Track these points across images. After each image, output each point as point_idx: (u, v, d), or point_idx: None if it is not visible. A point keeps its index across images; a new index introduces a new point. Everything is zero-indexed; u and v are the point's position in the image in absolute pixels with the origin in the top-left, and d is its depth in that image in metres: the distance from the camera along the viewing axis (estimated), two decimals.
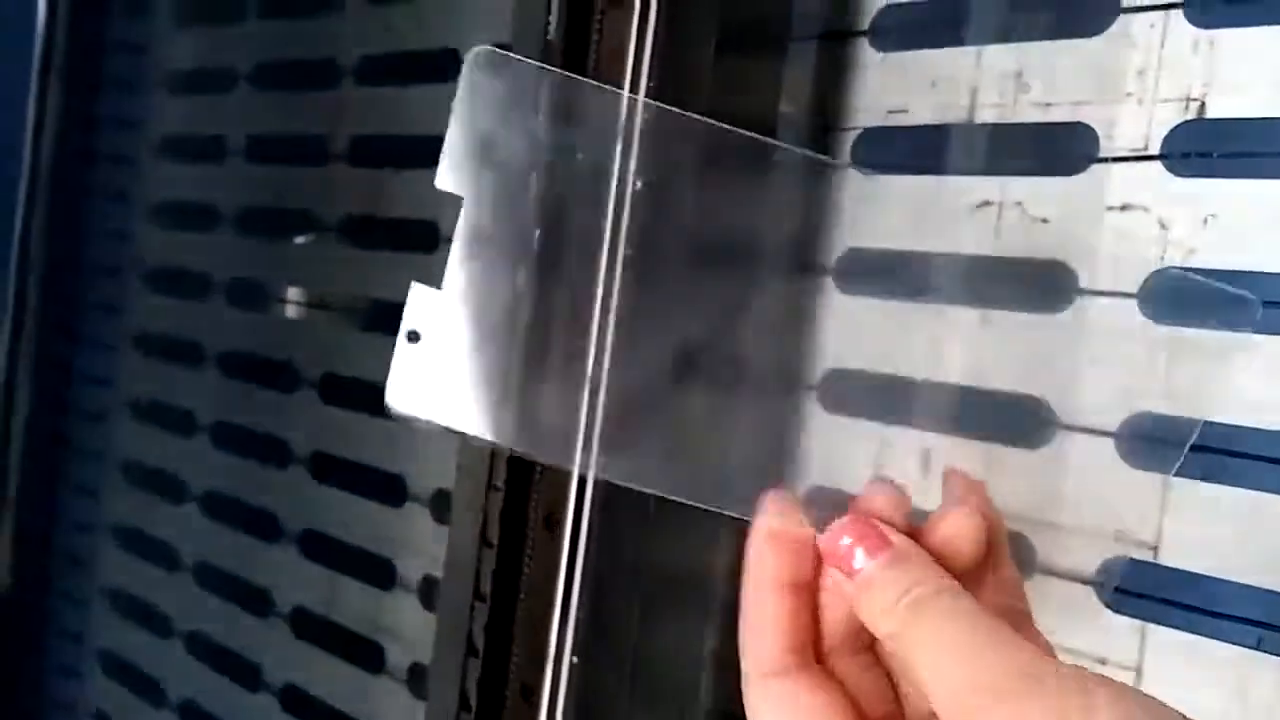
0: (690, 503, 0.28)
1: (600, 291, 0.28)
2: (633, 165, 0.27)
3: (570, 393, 0.28)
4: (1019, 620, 0.26)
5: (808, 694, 0.24)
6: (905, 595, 0.24)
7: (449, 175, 0.28)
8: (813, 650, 0.25)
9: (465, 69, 0.27)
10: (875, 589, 0.24)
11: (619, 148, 0.26)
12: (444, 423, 0.27)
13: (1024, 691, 0.21)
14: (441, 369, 0.28)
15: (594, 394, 0.28)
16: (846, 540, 0.25)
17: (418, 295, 0.27)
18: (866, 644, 0.26)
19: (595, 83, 0.29)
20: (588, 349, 0.28)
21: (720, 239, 0.29)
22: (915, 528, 0.26)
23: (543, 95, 0.28)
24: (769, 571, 0.25)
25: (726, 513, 0.28)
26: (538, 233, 0.27)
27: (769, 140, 0.28)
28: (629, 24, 0.42)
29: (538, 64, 0.28)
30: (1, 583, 1.04)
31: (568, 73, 0.31)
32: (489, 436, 0.28)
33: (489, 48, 0.28)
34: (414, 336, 0.27)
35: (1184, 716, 0.21)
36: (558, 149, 0.28)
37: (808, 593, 0.26)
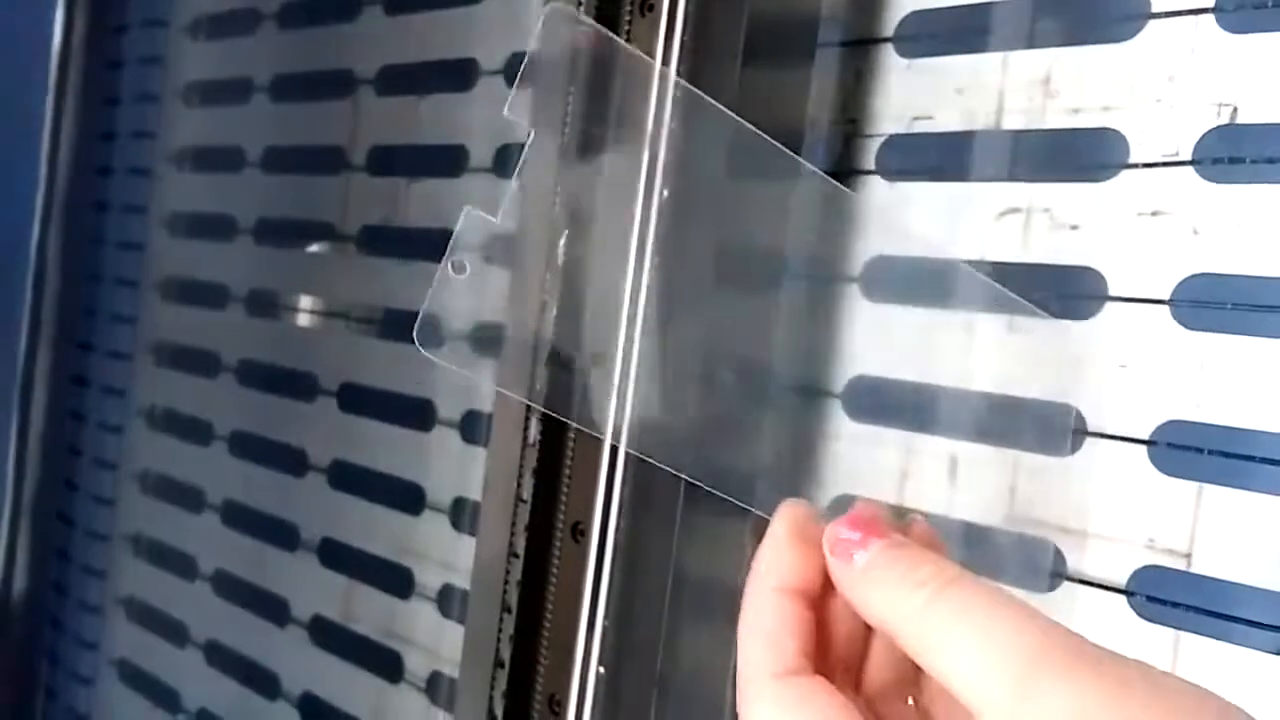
0: (716, 491, 0.28)
1: (631, 273, 0.27)
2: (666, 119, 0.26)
3: (604, 362, 0.27)
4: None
5: (828, 693, 0.24)
6: (920, 585, 0.23)
7: (518, 105, 0.26)
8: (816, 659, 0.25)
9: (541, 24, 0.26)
10: (881, 573, 0.24)
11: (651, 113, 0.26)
12: (475, 376, 0.27)
13: (1075, 664, 0.21)
14: (481, 312, 0.26)
15: (626, 368, 0.27)
16: (847, 532, 0.24)
17: (470, 223, 0.26)
18: (859, 663, 0.26)
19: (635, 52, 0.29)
20: (620, 320, 0.28)
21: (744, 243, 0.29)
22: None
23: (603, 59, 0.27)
24: (783, 576, 0.25)
25: (752, 508, 0.28)
26: (581, 188, 0.27)
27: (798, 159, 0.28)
28: (656, 32, 0.42)
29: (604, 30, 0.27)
30: (19, 591, 1.05)
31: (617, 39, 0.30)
32: (520, 395, 0.27)
33: (562, 5, 0.27)
34: (459, 267, 0.26)
35: (1229, 703, 0.21)
36: (607, 107, 0.28)
37: (813, 606, 0.25)
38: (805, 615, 0.25)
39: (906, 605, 0.23)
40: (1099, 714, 0.20)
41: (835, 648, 0.26)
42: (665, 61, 0.41)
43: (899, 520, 0.26)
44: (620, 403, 0.27)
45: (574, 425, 0.40)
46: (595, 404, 0.27)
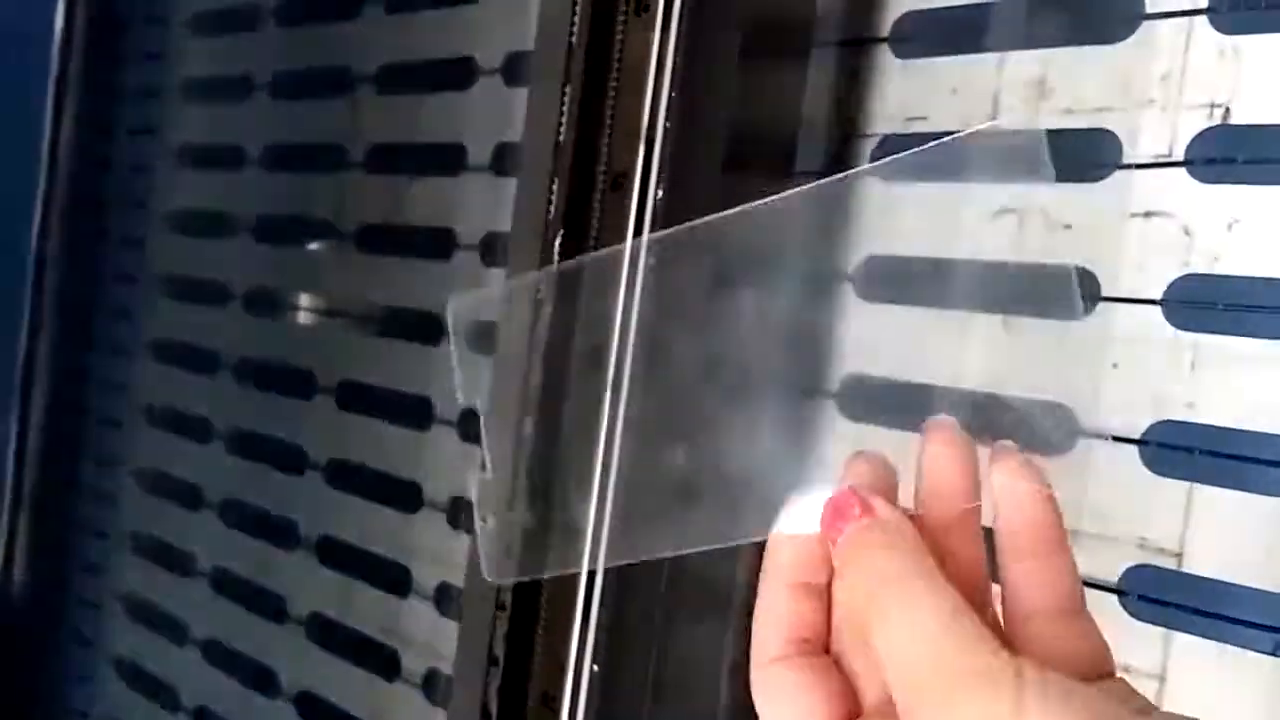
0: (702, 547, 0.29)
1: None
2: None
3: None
4: (980, 601, 0.26)
5: (798, 674, 0.25)
6: (875, 572, 0.24)
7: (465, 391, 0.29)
8: (821, 646, 0.26)
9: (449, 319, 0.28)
10: (848, 557, 0.25)
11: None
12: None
13: (969, 688, 0.22)
14: (508, 540, 0.29)
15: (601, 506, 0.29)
16: (832, 511, 0.25)
17: (481, 484, 0.29)
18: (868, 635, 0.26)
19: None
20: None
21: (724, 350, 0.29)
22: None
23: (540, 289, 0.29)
24: (780, 571, 0.26)
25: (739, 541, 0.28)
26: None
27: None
28: (652, 32, 0.42)
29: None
30: (18, 587, 1.05)
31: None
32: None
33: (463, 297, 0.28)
34: (485, 519, 0.29)
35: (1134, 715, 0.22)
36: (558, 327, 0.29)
37: (818, 595, 0.26)
38: (803, 606, 0.26)
39: (857, 593, 0.24)
40: None
41: (847, 622, 0.26)
42: (659, 65, 0.41)
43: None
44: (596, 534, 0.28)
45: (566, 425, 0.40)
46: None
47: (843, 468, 0.27)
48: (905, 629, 0.23)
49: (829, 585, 0.26)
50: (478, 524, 0.27)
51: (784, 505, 0.27)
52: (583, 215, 0.40)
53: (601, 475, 0.27)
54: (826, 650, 0.26)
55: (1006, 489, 0.26)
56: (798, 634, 0.26)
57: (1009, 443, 0.26)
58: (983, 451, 0.45)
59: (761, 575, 0.26)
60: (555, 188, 0.41)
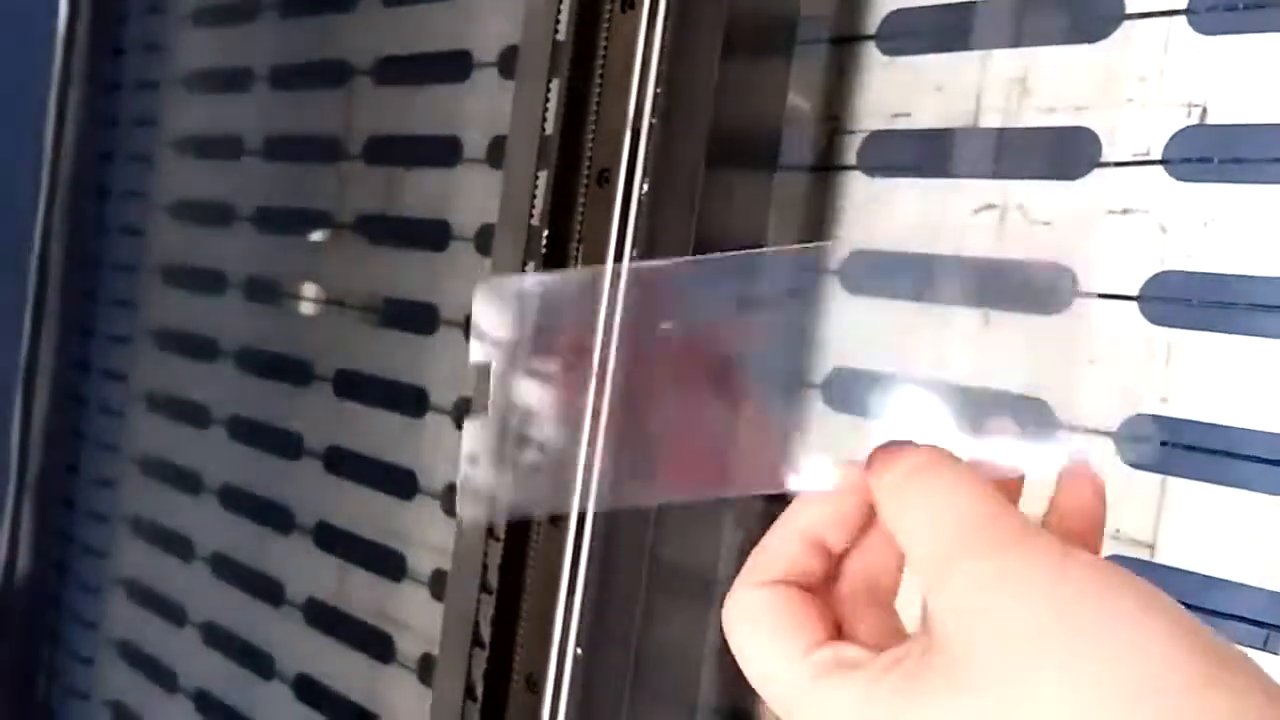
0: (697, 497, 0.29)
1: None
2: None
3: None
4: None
5: (787, 594, 0.24)
6: (900, 463, 0.24)
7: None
8: (814, 594, 0.25)
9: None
10: (893, 455, 0.24)
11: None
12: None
13: (1002, 538, 0.21)
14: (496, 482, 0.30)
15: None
16: (888, 448, 0.25)
17: (475, 426, 0.29)
18: (886, 597, 0.26)
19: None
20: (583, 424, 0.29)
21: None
22: None
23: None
24: (799, 519, 0.26)
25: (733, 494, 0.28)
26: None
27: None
28: (638, 27, 0.42)
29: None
30: (22, 572, 1.06)
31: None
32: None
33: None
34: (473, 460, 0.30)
35: (1152, 590, 0.21)
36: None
37: (827, 556, 0.26)
38: (810, 556, 0.25)
39: (887, 479, 0.24)
40: (1015, 580, 0.21)
41: (861, 583, 0.26)
42: (645, 62, 0.41)
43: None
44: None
45: None
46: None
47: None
48: (953, 496, 0.23)
49: (840, 556, 0.26)
50: (464, 467, 0.28)
51: (793, 465, 0.27)
52: (568, 210, 0.41)
53: (592, 421, 0.27)
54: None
55: (1077, 474, 0.26)
56: (791, 571, 0.25)
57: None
58: (969, 440, 0.46)
59: (778, 522, 0.26)
60: (540, 182, 0.42)
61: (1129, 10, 0.43)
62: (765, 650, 0.24)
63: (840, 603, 0.26)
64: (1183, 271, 0.42)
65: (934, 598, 0.22)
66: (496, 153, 0.68)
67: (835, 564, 0.26)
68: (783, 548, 0.25)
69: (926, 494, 0.23)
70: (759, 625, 0.24)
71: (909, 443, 0.25)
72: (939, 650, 0.22)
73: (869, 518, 0.26)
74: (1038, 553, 0.21)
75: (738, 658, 0.25)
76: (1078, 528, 0.25)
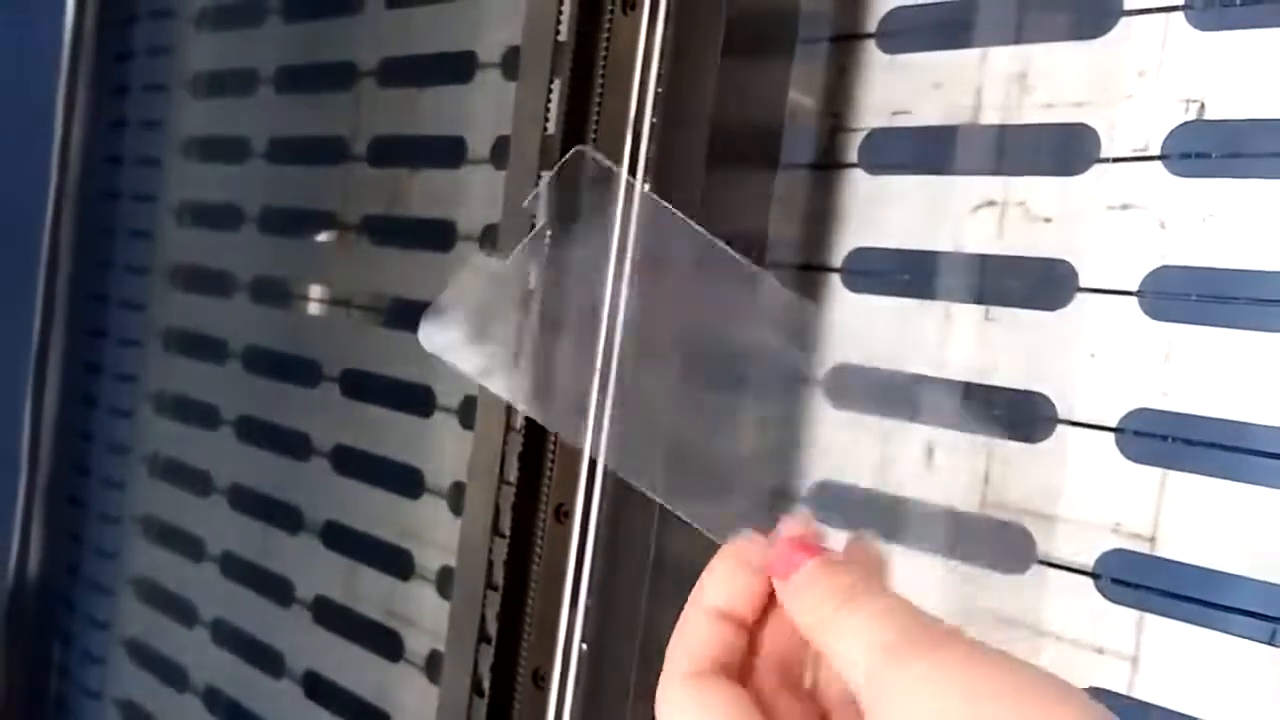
0: (685, 518, 0.30)
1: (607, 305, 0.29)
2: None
3: (583, 376, 0.30)
4: None
5: (714, 690, 0.26)
6: (834, 595, 0.25)
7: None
8: (737, 676, 0.27)
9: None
10: (808, 586, 0.26)
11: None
12: (467, 372, 0.30)
13: (938, 643, 0.23)
14: (474, 325, 0.30)
15: (604, 380, 0.29)
16: (788, 553, 0.27)
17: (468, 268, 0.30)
18: (797, 679, 0.28)
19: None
20: (598, 341, 0.30)
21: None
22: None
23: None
24: (710, 596, 0.27)
25: (714, 539, 0.29)
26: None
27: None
28: (639, 26, 0.43)
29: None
30: (33, 572, 1.07)
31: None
32: (505, 397, 0.30)
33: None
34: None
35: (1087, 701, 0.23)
36: None
37: (743, 628, 0.27)
38: (729, 634, 0.27)
39: (820, 612, 0.26)
40: (953, 684, 0.23)
41: (774, 665, 0.28)
42: (646, 62, 0.42)
43: (854, 539, 0.29)
44: (599, 415, 0.29)
45: None
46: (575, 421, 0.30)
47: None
48: (876, 616, 0.25)
49: (756, 625, 0.27)
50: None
51: (736, 537, 0.28)
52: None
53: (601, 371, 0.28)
54: (743, 685, 0.26)
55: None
56: (718, 656, 0.26)
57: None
58: (973, 441, 0.46)
59: (689, 601, 0.27)
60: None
61: (1128, 6, 0.44)
62: None
63: (761, 681, 0.27)
64: (1182, 266, 0.42)
65: (871, 714, 0.24)
66: (500, 153, 0.68)
67: (752, 633, 0.27)
68: (700, 632, 0.27)
69: (856, 628, 0.25)
70: None
71: (820, 552, 0.26)
72: None
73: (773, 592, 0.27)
74: (956, 654, 0.23)
75: None
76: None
